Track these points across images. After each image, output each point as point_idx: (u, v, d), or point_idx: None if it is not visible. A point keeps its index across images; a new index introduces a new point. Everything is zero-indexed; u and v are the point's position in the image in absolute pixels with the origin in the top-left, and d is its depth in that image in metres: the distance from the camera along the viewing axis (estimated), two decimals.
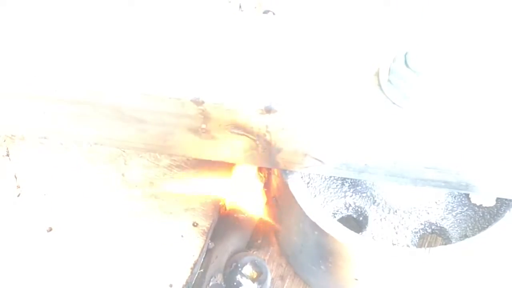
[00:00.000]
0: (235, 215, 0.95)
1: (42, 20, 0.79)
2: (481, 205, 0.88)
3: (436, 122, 0.72)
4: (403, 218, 0.88)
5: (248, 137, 0.77)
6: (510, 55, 0.76)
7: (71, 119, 0.81)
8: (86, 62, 0.76)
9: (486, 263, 0.86)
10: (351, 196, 0.90)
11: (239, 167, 0.96)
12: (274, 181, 0.91)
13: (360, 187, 0.90)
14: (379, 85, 0.74)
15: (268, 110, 0.73)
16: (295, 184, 0.84)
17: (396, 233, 0.87)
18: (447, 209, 0.88)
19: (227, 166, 0.95)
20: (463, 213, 0.88)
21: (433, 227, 0.88)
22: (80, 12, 0.80)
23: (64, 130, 0.85)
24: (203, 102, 0.74)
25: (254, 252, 0.96)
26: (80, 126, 0.83)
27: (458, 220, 0.88)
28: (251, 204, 0.96)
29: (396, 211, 0.88)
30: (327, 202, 0.90)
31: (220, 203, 0.95)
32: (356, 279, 0.86)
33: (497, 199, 0.87)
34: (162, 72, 0.75)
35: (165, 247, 0.91)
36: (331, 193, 0.90)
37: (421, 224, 0.88)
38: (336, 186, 0.90)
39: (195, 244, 0.91)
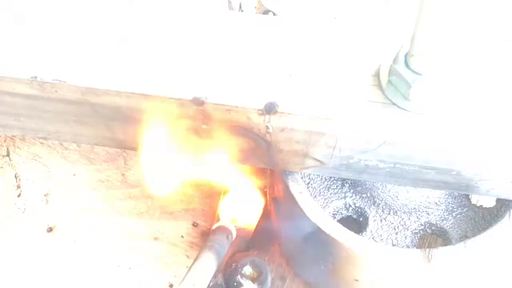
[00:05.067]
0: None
1: (43, 20, 0.79)
2: (481, 206, 0.88)
3: (436, 122, 0.72)
4: (403, 218, 0.88)
5: (248, 137, 0.77)
6: (510, 55, 0.76)
7: (71, 119, 0.81)
8: (86, 63, 0.76)
9: (486, 264, 0.86)
10: (351, 197, 0.90)
11: (239, 167, 0.96)
12: (274, 181, 0.91)
13: (360, 188, 0.90)
14: (379, 85, 0.73)
15: (269, 111, 0.73)
16: (295, 185, 0.84)
17: (396, 233, 0.87)
18: (447, 210, 0.88)
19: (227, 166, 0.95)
20: (463, 214, 0.88)
21: (433, 227, 0.88)
22: (80, 13, 0.80)
23: (64, 130, 0.85)
24: (203, 103, 0.74)
25: (255, 252, 0.96)
26: (80, 126, 0.83)
27: (458, 221, 0.88)
28: (251, 205, 0.96)
29: (396, 212, 0.88)
30: (327, 202, 0.90)
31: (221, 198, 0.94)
32: (356, 280, 0.86)
33: (497, 200, 0.87)
34: (162, 72, 0.75)
35: (165, 247, 0.91)
36: (331, 193, 0.90)
37: (421, 224, 0.88)
38: (336, 186, 0.90)
39: (195, 244, 0.91)
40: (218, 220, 0.94)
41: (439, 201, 0.88)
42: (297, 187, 0.84)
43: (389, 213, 0.88)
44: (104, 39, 0.78)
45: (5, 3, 0.80)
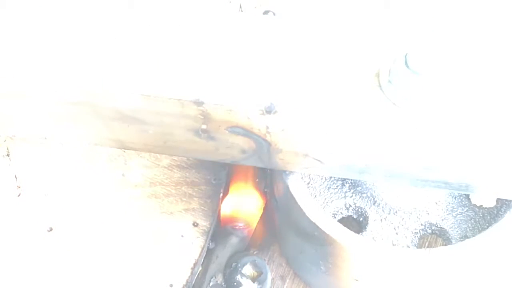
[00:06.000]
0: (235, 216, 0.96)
1: (43, 21, 0.79)
2: (481, 205, 0.88)
3: (436, 122, 0.72)
4: (403, 218, 0.88)
5: (248, 138, 0.77)
6: (509, 56, 0.76)
7: (72, 120, 0.81)
8: (86, 63, 0.76)
9: (486, 263, 0.86)
10: (351, 197, 0.90)
11: (239, 168, 0.96)
12: (274, 181, 0.91)
13: (360, 188, 0.90)
14: (380, 86, 0.73)
15: (269, 111, 0.73)
16: (295, 185, 0.84)
17: (396, 233, 0.87)
18: (447, 209, 0.88)
19: (227, 167, 0.95)
20: (463, 214, 0.88)
21: (433, 227, 0.88)
22: (80, 14, 0.80)
23: (64, 130, 0.85)
24: (203, 103, 0.74)
25: (255, 252, 0.96)
26: (80, 126, 0.83)
27: (458, 220, 0.88)
28: (251, 205, 0.96)
29: (396, 212, 0.88)
30: (327, 202, 0.90)
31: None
32: (356, 280, 0.86)
33: (498, 199, 0.87)
34: (162, 73, 0.75)
35: (165, 247, 0.91)
36: (331, 193, 0.90)
37: (421, 224, 0.88)
38: (337, 186, 0.90)
39: (195, 244, 0.91)
40: (219, 220, 0.95)
41: (439, 201, 0.88)
42: (297, 187, 0.84)
43: (389, 213, 0.88)
44: (104, 39, 0.78)
45: (5, 3, 0.80)
